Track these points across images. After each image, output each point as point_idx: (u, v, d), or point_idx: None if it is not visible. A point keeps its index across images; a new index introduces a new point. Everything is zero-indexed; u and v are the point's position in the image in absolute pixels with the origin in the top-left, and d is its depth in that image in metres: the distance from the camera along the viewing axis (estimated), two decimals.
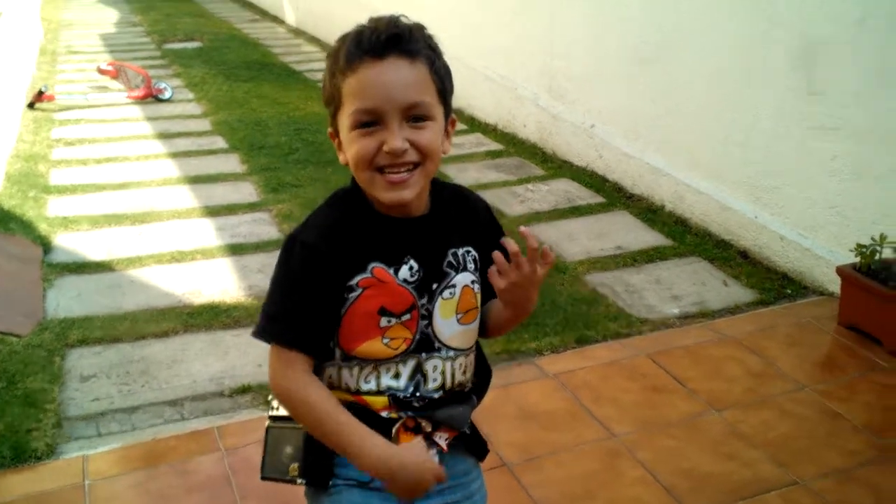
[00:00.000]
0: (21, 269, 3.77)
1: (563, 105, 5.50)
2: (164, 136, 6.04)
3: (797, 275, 3.81)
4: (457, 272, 1.33)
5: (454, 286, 1.33)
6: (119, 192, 4.85)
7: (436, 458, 1.31)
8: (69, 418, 2.77)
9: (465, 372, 1.38)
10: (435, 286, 1.31)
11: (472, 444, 1.44)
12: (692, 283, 3.80)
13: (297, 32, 10.65)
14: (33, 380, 2.90)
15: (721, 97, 4.14)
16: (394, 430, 1.30)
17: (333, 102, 1.26)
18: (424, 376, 1.33)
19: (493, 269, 1.27)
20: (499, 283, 1.27)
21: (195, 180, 5.08)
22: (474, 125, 6.41)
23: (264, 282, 3.67)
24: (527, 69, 5.85)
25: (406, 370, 1.32)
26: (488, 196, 4.85)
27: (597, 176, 5.15)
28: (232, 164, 5.43)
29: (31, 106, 6.50)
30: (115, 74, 7.25)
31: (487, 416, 2.75)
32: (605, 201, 4.78)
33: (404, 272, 1.29)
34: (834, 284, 3.52)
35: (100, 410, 2.82)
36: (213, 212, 4.55)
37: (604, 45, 5.01)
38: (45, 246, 4.02)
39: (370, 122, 1.22)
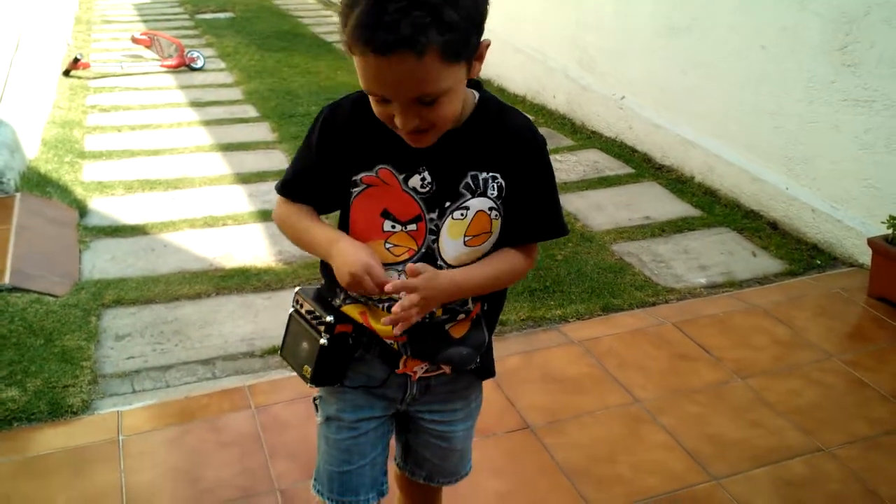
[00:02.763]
0: (58, 231, 3.86)
1: (592, 76, 5.46)
2: (197, 104, 6.10)
3: (827, 246, 3.77)
4: (473, 195, 1.31)
5: (467, 208, 1.31)
6: (153, 158, 4.92)
7: (392, 274, 1.34)
8: (104, 375, 2.84)
9: None
10: (447, 204, 1.30)
11: (477, 370, 1.53)
12: (720, 253, 3.79)
13: (327, 4, 10.64)
14: (70, 338, 2.97)
15: (753, 68, 4.08)
16: (401, 361, 1.43)
17: (347, 48, 1.19)
18: None
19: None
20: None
21: (227, 148, 5.14)
22: (503, 96, 6.38)
23: (294, 248, 3.71)
24: (557, 41, 5.81)
25: None
26: None
27: (626, 147, 5.12)
28: (263, 132, 5.48)
29: (66, 73, 6.59)
30: (149, 43, 7.32)
31: (511, 379, 2.78)
32: (634, 172, 4.76)
33: (415, 181, 1.29)
34: (865, 256, 3.48)
35: (134, 368, 2.90)
36: (244, 179, 4.61)
37: (634, 17, 4.95)
38: (81, 210, 4.10)
39: (381, 99, 1.20)
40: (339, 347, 1.40)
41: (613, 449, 2.46)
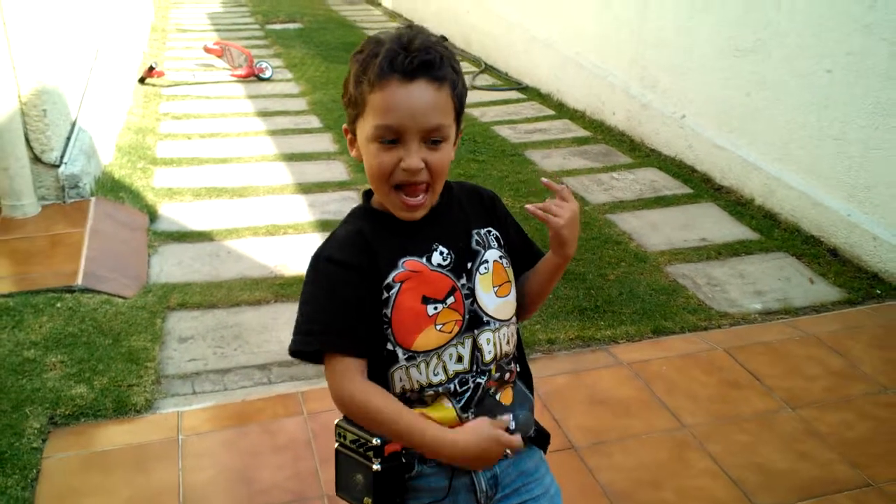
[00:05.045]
0: (129, 235, 4.03)
1: (653, 94, 5.44)
2: (264, 114, 6.29)
3: (888, 275, 3.69)
4: (485, 249, 1.40)
5: (487, 261, 1.40)
6: (220, 165, 5.10)
7: (510, 419, 1.39)
8: (167, 376, 2.97)
9: (508, 342, 1.44)
10: (470, 265, 1.38)
11: (536, 438, 1.50)
12: (777, 278, 3.74)
13: (393, 15, 10.81)
14: (136, 339, 3.12)
15: (818, 91, 4.03)
16: None
17: (356, 108, 1.32)
18: (480, 351, 1.38)
19: (548, 216, 1.39)
20: (558, 221, 1.38)
21: (290, 158, 5.29)
22: (563, 111, 6.41)
23: None
24: (618, 58, 5.81)
25: (466, 351, 1.37)
26: (572, 183, 4.94)
27: (685, 166, 5.09)
28: (325, 143, 5.62)
29: (141, 81, 6.86)
30: (221, 53, 7.56)
31: (558, 398, 2.81)
32: (692, 192, 4.73)
33: (437, 258, 1.36)
34: None
35: (195, 370, 3.02)
36: (305, 189, 4.74)
37: (697, 36, 4.92)
38: (151, 215, 4.28)
39: (391, 139, 1.28)
40: (394, 469, 1.34)
41: (658, 474, 2.47)
